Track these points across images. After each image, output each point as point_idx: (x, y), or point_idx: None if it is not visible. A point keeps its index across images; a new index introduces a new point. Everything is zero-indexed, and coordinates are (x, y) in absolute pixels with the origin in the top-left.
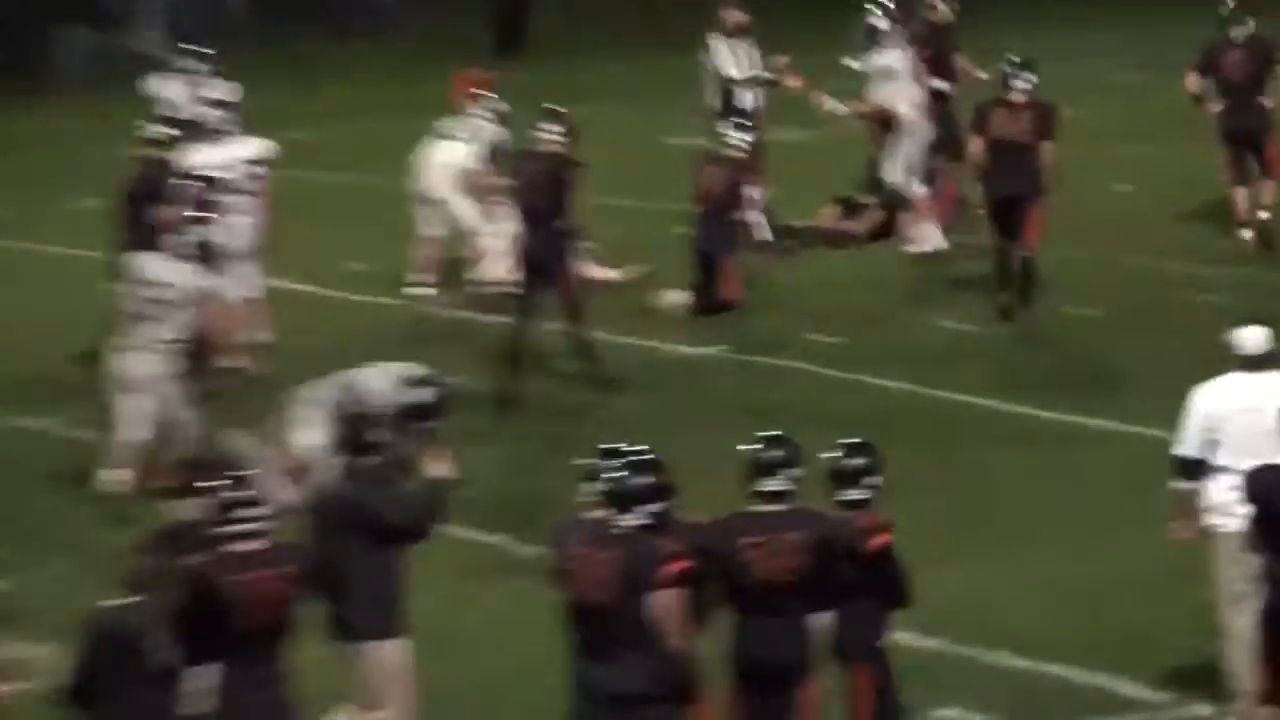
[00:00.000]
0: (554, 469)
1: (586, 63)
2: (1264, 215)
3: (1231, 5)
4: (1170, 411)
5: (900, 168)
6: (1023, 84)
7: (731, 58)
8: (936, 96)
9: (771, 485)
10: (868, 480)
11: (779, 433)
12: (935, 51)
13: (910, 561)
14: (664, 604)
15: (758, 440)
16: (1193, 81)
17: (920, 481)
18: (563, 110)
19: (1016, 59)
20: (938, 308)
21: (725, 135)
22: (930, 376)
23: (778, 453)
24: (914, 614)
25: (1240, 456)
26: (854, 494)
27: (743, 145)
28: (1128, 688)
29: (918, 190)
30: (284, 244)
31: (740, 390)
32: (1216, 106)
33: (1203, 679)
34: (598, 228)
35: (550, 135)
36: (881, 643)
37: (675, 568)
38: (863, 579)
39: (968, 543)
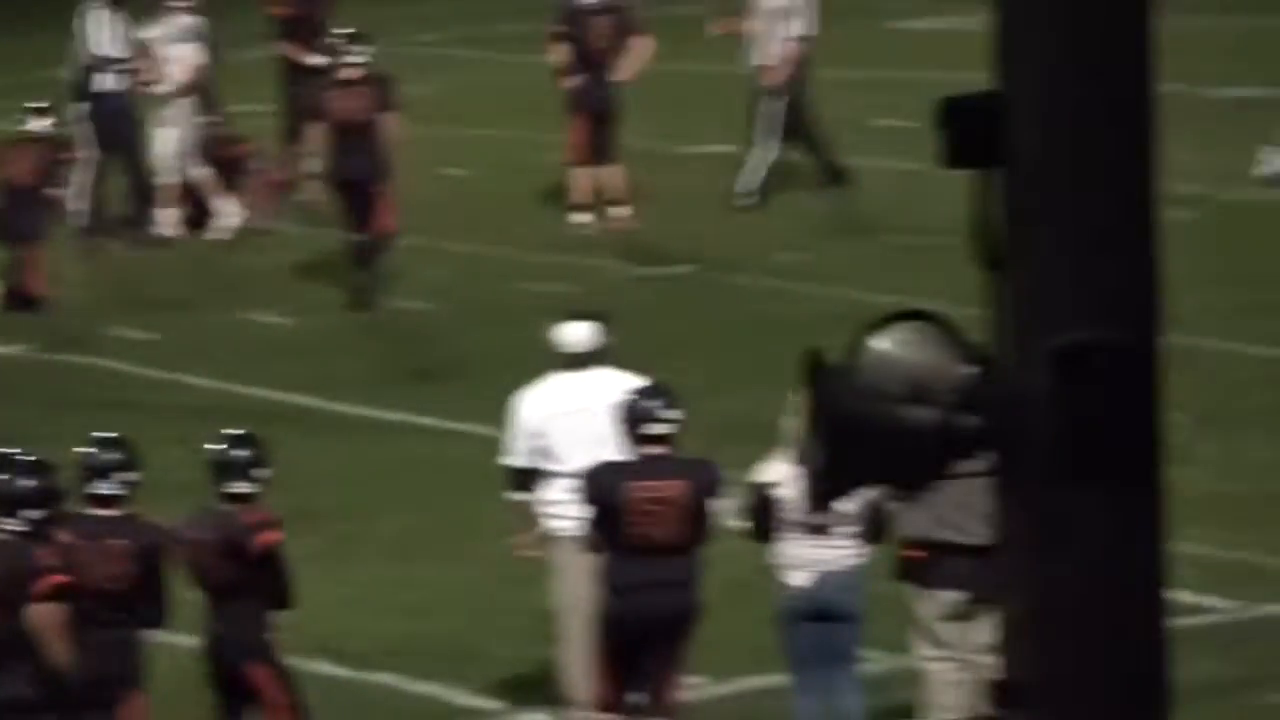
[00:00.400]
0: None
1: None
2: (613, 200)
3: None
4: (501, 409)
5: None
6: (355, 58)
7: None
8: (307, 71)
9: (104, 489)
10: (255, 473)
11: (115, 435)
12: (302, 23)
13: None
14: (42, 617)
15: (93, 441)
16: (559, 52)
17: None
18: None
19: (345, 32)
20: (252, 300)
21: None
22: (244, 372)
23: (113, 455)
24: None
25: (572, 460)
26: (241, 487)
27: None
28: (459, 696)
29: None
30: None
31: (45, 391)
32: (574, 80)
33: (536, 686)
34: None
35: None
36: (270, 641)
37: (52, 581)
38: (247, 577)
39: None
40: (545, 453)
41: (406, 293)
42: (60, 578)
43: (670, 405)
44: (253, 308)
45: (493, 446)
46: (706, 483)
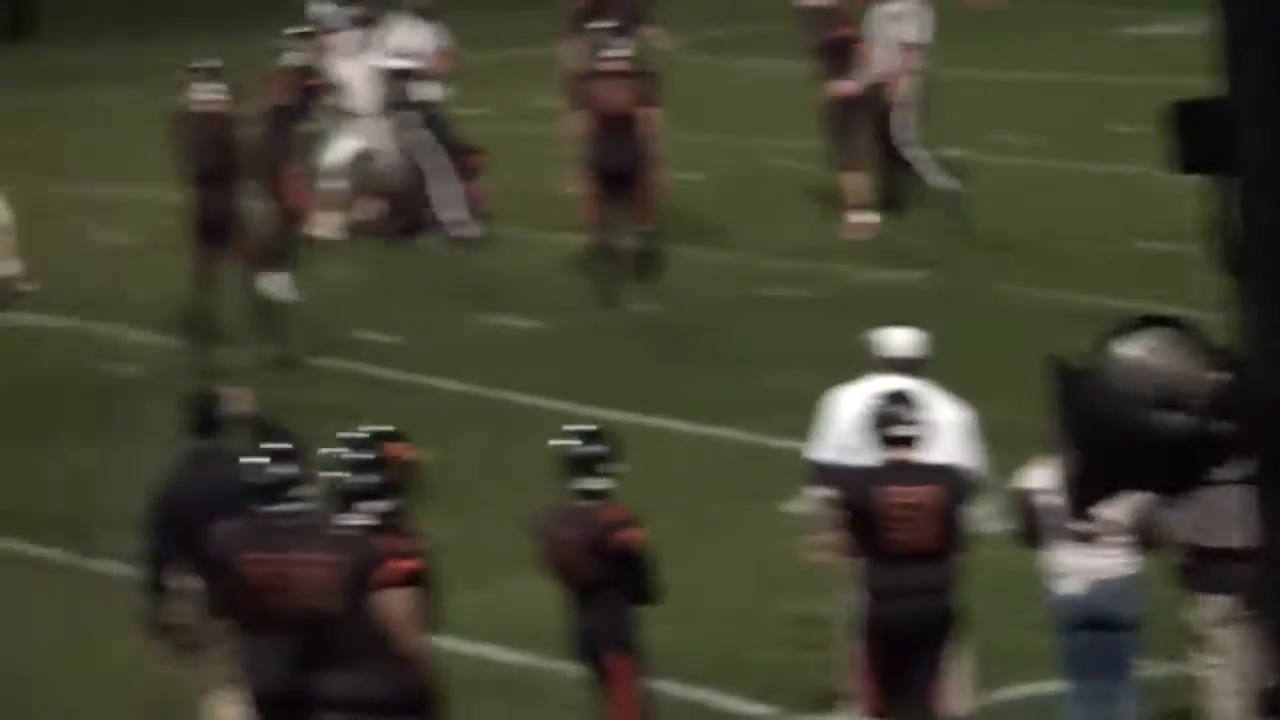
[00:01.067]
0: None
1: (94, 45)
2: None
3: None
4: (755, 411)
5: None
6: (619, 51)
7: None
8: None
9: (592, 484)
10: (608, 468)
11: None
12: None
13: (487, 574)
14: (392, 605)
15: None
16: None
17: (486, 490)
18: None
19: (608, 26)
20: (498, 304)
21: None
22: (492, 376)
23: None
24: (504, 627)
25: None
26: (594, 483)
27: None
28: (730, 702)
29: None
30: None
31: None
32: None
33: (805, 690)
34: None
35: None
36: (633, 636)
37: (401, 567)
38: (609, 574)
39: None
40: (853, 453)
41: (648, 295)
42: (410, 564)
43: (917, 410)
44: (499, 311)
45: (747, 449)
46: (958, 487)
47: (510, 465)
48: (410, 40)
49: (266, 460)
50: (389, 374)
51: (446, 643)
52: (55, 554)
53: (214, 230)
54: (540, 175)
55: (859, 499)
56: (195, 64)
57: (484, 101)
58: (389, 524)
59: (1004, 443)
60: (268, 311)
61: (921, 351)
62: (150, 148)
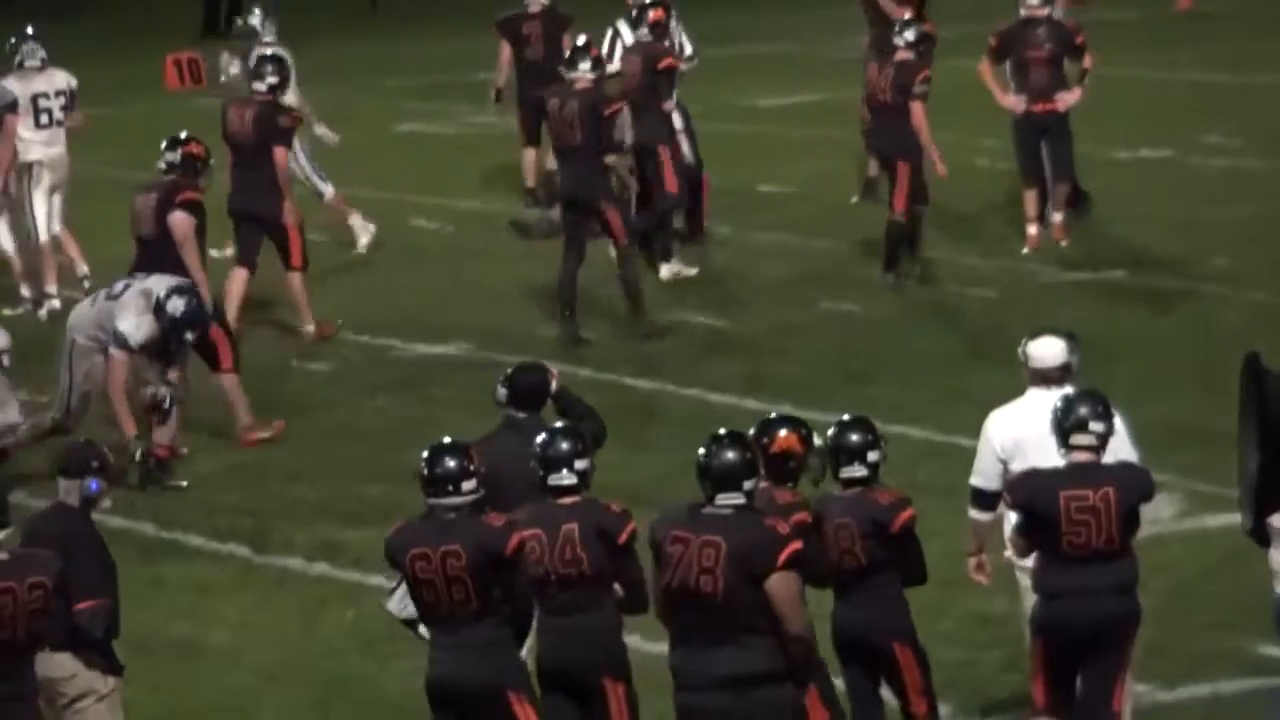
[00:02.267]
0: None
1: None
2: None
3: None
4: (935, 411)
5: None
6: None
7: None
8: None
9: (860, 471)
10: (872, 455)
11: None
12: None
13: None
14: (782, 586)
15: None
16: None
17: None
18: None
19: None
20: (681, 302)
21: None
22: (679, 374)
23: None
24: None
25: None
26: (860, 470)
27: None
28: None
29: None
30: None
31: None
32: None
33: (975, 690)
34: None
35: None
36: (910, 621)
37: (790, 549)
38: (887, 556)
39: None
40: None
41: (839, 294)
42: (797, 545)
43: (1100, 413)
44: (684, 309)
45: (931, 446)
46: (1138, 489)
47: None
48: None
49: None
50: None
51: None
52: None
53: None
54: (743, 172)
55: (1035, 501)
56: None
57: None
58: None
59: (1181, 444)
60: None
61: (1072, 359)
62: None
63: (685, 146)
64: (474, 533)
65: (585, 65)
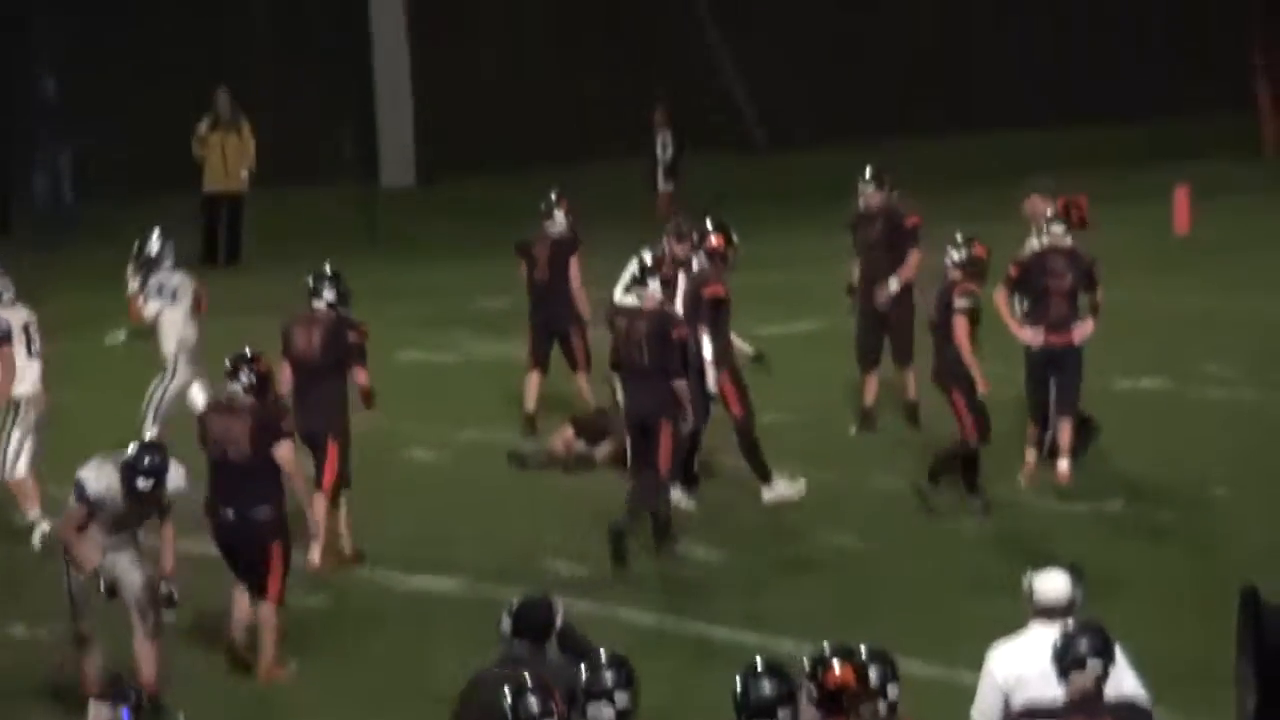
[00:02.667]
0: None
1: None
2: None
3: None
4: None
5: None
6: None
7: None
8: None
9: None
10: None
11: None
12: None
13: None
14: None
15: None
16: None
17: None
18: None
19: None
20: (681, 534)
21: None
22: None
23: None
24: None
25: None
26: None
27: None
28: None
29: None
30: None
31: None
32: None
33: None
34: None
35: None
36: None
37: None
38: None
39: None
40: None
41: (839, 526)
42: None
43: (1100, 648)
44: (683, 541)
45: (929, 682)
46: None
47: (703, 698)
48: None
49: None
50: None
51: None
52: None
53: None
54: None
55: None
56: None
57: None
58: None
59: (1190, 675)
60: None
61: (1076, 594)
62: None
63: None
64: None
65: (654, 285)
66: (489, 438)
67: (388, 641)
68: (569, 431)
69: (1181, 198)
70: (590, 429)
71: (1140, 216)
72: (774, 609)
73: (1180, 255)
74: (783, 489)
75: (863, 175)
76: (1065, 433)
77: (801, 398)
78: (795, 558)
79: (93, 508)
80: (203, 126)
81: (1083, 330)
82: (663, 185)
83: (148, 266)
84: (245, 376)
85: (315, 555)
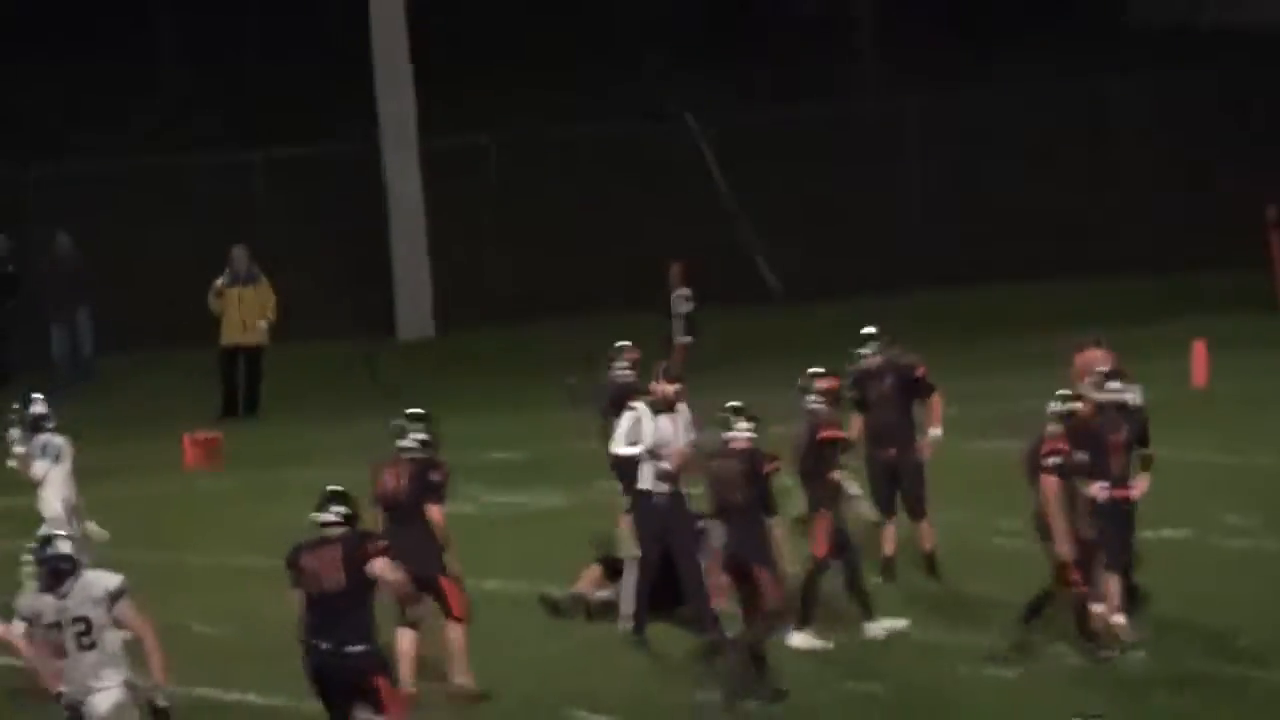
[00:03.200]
0: None
1: (310, 425)
2: None
3: None
4: None
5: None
6: None
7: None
8: None
9: None
10: None
11: None
12: None
13: None
14: None
15: None
16: None
17: None
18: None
19: None
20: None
21: None
22: None
23: None
24: None
25: None
26: None
27: None
28: None
29: None
30: None
31: None
32: None
33: None
34: None
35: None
36: None
37: None
38: None
39: None
40: None
41: (862, 675)
42: None
43: None
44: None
45: None
46: None
47: None
48: None
49: None
50: None
51: None
52: None
53: None
54: None
55: None
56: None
57: None
58: None
59: None
60: None
61: None
62: None
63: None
64: None
65: (743, 425)
66: (509, 588)
67: None
68: (596, 571)
69: (1200, 351)
70: (618, 568)
71: (1159, 371)
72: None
73: (1199, 408)
74: (805, 639)
75: (863, 339)
76: (1119, 587)
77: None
78: (818, 705)
79: (29, 620)
80: (220, 282)
81: (1141, 485)
82: (679, 338)
83: (33, 427)
84: (336, 509)
85: (461, 680)
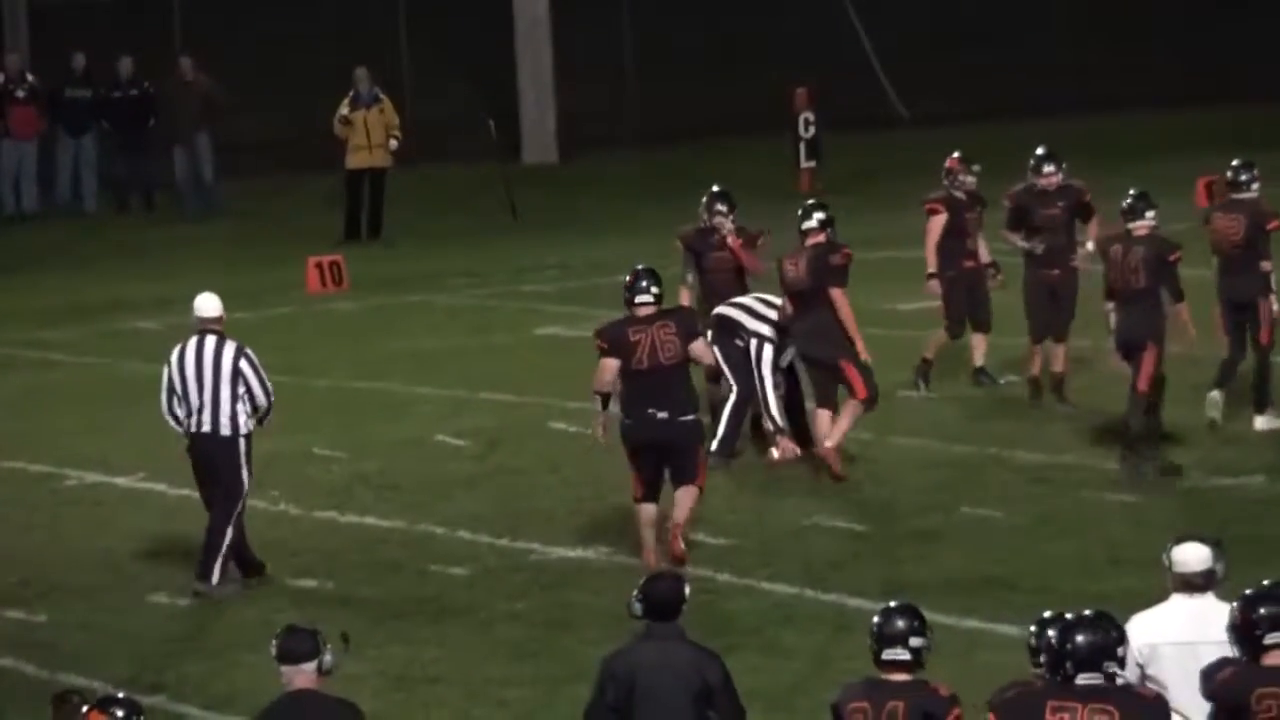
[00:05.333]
0: None
1: (451, 250)
2: None
3: None
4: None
5: None
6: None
7: None
8: None
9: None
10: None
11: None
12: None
13: None
14: None
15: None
16: None
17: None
18: None
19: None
20: (821, 505)
21: None
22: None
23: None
24: None
25: (1179, 690)
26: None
27: None
28: None
29: None
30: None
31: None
32: None
33: None
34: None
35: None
36: None
37: None
38: None
39: None
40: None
41: (979, 499)
42: None
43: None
44: (821, 514)
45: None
46: None
47: (841, 669)
48: None
49: None
50: (720, 576)
51: None
52: None
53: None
54: (883, 376)
55: (1234, 699)
56: None
57: None
58: None
59: None
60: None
61: (1217, 566)
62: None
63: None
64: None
65: (1150, 213)
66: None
67: (528, 607)
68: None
69: None
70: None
71: None
72: (913, 581)
73: None
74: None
75: (1042, 158)
76: None
77: (939, 370)
78: (935, 529)
79: None
80: (345, 108)
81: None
82: (804, 162)
83: None
84: (654, 289)
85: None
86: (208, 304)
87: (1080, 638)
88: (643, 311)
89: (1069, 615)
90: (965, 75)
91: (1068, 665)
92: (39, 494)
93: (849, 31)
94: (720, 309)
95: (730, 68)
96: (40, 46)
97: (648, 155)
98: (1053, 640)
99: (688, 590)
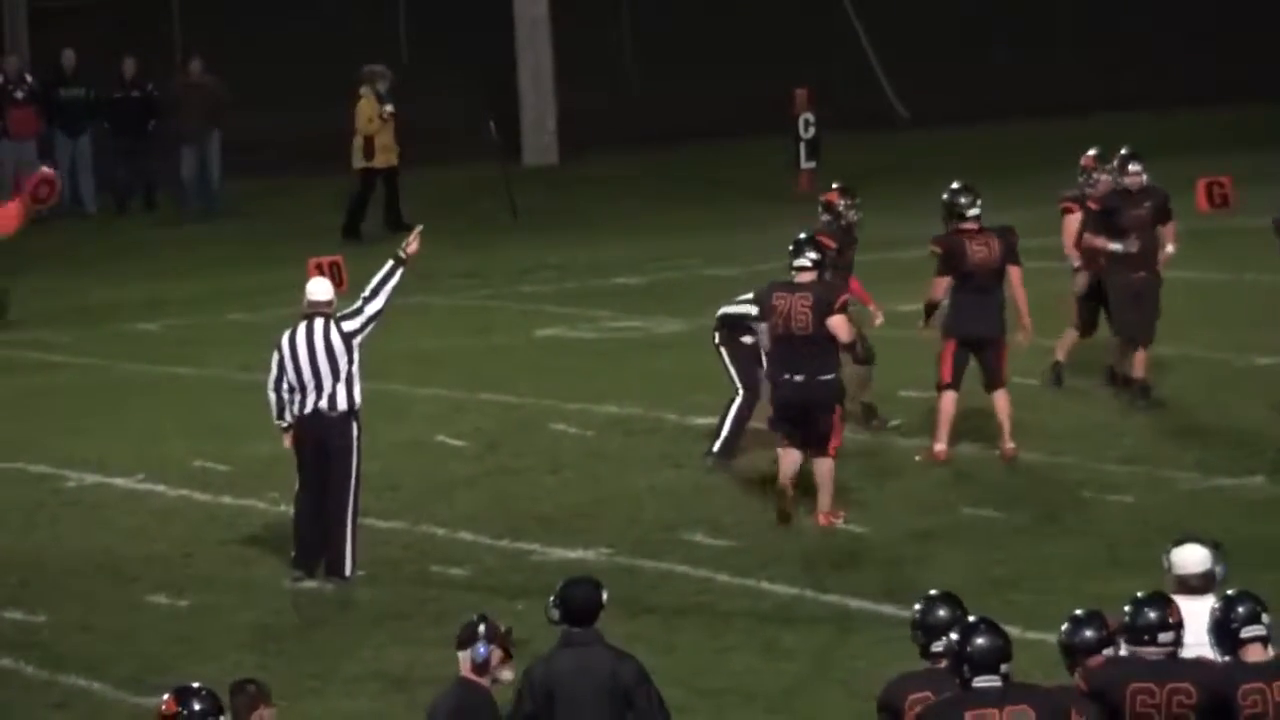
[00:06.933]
0: None
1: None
2: None
3: None
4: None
5: None
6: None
7: None
8: None
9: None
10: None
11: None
12: None
13: None
14: None
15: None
16: None
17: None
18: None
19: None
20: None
21: None
22: (817, 580)
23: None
24: None
25: None
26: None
27: None
28: None
29: None
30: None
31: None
32: None
33: None
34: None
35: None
36: None
37: None
38: None
39: None
40: None
41: (980, 500)
42: None
43: (1263, 607)
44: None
45: None
46: None
47: (842, 669)
48: None
49: None
50: (720, 577)
51: None
52: None
53: None
54: (883, 377)
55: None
56: None
57: None
58: None
59: None
60: None
61: (1216, 568)
62: None
63: None
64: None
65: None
66: (628, 412)
67: (528, 608)
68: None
69: None
70: None
71: None
72: (913, 581)
73: None
74: None
75: (1127, 158)
76: None
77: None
78: (935, 530)
79: None
80: (388, 108)
81: None
82: (804, 163)
83: None
84: (811, 254)
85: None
86: (319, 288)
87: (980, 640)
88: (801, 278)
89: (971, 619)
90: (965, 75)
91: (964, 669)
92: (39, 494)
93: (849, 31)
94: (725, 307)
95: (730, 68)
96: (40, 47)
97: (648, 155)
98: (953, 643)
99: (605, 596)
